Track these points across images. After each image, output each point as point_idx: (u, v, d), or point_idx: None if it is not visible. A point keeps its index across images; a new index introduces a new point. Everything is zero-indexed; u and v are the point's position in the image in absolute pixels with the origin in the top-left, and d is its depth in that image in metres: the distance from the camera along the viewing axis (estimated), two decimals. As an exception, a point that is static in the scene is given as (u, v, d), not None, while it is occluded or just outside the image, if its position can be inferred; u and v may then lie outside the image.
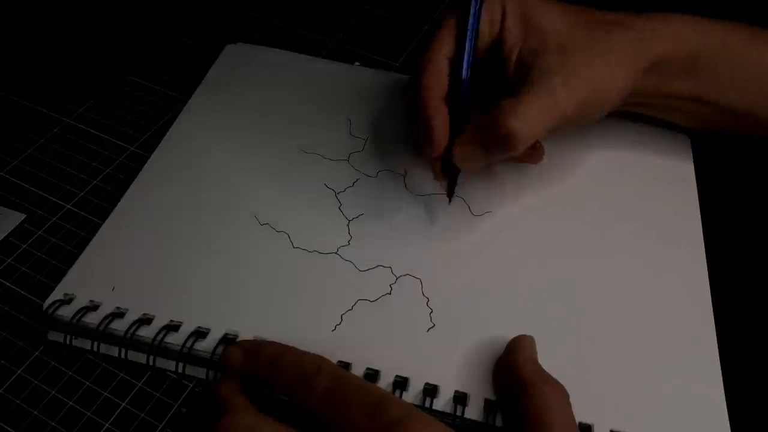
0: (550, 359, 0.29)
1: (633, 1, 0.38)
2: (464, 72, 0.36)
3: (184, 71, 0.49)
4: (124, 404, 0.32)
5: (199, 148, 0.41)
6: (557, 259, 0.36)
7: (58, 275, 0.35)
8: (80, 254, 0.35)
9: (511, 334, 0.32)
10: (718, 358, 0.32)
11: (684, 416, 0.30)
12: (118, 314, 0.33)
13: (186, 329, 0.32)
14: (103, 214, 0.38)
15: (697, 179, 0.40)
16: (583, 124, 0.37)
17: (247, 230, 0.37)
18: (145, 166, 0.40)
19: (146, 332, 0.32)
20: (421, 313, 0.33)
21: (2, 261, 0.37)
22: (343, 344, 0.29)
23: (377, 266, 0.35)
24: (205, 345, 0.32)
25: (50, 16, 0.48)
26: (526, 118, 0.32)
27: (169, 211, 0.37)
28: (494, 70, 0.37)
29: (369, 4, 0.56)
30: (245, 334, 0.32)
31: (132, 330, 0.32)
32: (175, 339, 0.32)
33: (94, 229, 0.37)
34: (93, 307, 0.33)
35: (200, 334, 0.32)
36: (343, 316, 0.33)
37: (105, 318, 0.32)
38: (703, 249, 0.37)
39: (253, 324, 0.32)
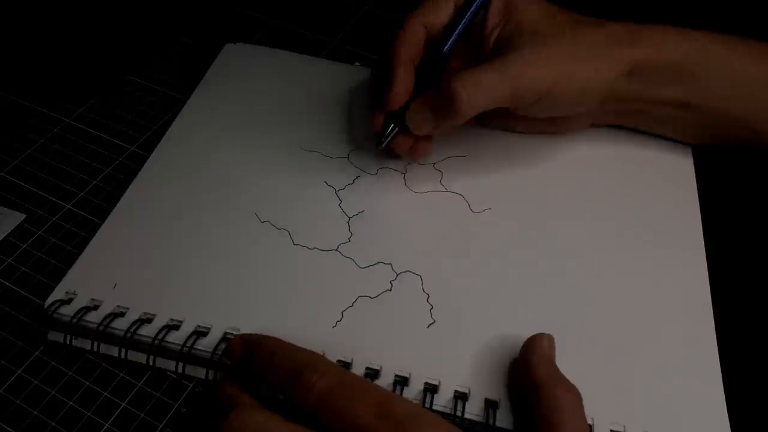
0: (551, 356, 0.29)
1: (622, 9, 0.38)
2: (447, 47, 0.37)
3: (184, 71, 0.49)
4: (124, 404, 0.32)
5: (198, 147, 0.41)
6: (557, 257, 0.36)
7: (58, 275, 0.35)
8: (80, 254, 0.35)
9: (511, 331, 0.32)
10: (717, 357, 0.32)
11: (684, 415, 0.30)
12: (119, 314, 0.33)
13: (186, 328, 0.32)
14: (103, 214, 0.38)
15: (697, 179, 0.40)
16: (553, 115, 0.38)
17: (248, 228, 0.37)
18: (145, 165, 0.40)
19: (146, 331, 0.32)
20: (421, 309, 0.33)
21: (2, 261, 0.37)
22: (344, 341, 0.29)
23: (377, 263, 0.35)
24: (205, 344, 0.31)
25: (50, 15, 0.48)
26: (473, 83, 0.34)
27: (169, 211, 0.37)
28: (471, 46, 0.39)
29: (369, 4, 0.56)
30: (246, 332, 0.31)
31: (132, 329, 0.32)
32: (175, 338, 0.32)
33: (94, 229, 0.37)
34: (93, 306, 0.33)
35: (201, 333, 0.32)
36: (343, 312, 0.33)
37: (105, 317, 0.32)
38: (703, 249, 0.37)
39: (254, 321, 0.32)
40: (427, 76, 0.37)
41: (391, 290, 0.34)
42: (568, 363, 0.29)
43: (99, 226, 0.37)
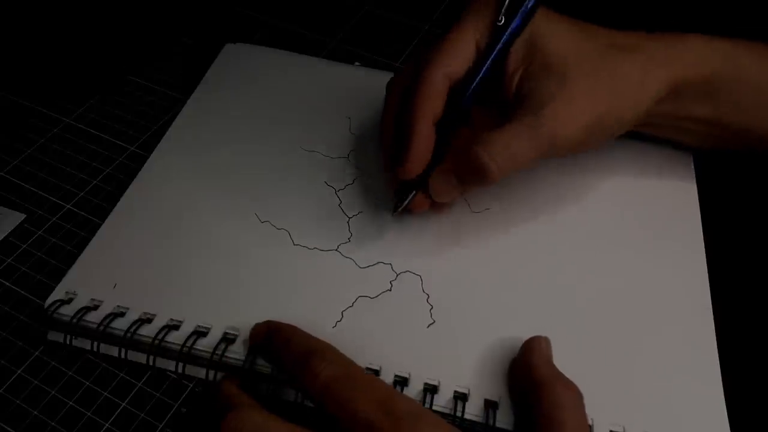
0: (551, 356, 0.29)
1: (647, 16, 0.37)
2: (465, 101, 0.34)
3: (184, 71, 0.49)
4: (124, 404, 0.32)
5: (198, 147, 0.41)
6: (557, 257, 0.36)
7: (58, 275, 0.35)
8: (80, 254, 0.35)
9: (511, 331, 0.32)
10: (717, 358, 0.32)
11: (683, 416, 0.30)
12: (119, 314, 0.33)
13: (186, 328, 0.32)
14: (103, 214, 0.38)
15: (697, 179, 0.40)
16: (586, 150, 0.35)
17: (248, 228, 0.37)
18: (145, 165, 0.40)
19: (146, 331, 0.32)
20: (421, 309, 0.33)
21: (2, 261, 0.37)
22: (344, 341, 0.29)
23: (377, 263, 0.35)
24: (205, 344, 0.32)
25: (50, 15, 0.48)
26: (499, 152, 0.31)
27: (169, 211, 0.37)
28: (494, 89, 0.35)
29: (369, 4, 0.56)
30: (246, 332, 0.32)
31: (132, 329, 0.32)
32: (175, 338, 0.32)
33: (94, 229, 0.37)
34: (93, 306, 0.33)
35: (201, 333, 0.32)
36: (343, 312, 0.33)
37: (106, 317, 0.32)
38: (703, 249, 0.37)
39: (254, 321, 0.32)
40: (446, 129, 0.34)
41: (390, 290, 0.34)
42: (568, 363, 0.29)
43: (99, 226, 0.37)
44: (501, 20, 0.33)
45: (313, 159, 0.41)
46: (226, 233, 0.36)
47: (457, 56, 0.33)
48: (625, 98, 0.33)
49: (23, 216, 0.40)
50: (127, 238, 0.36)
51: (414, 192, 0.34)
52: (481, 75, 0.33)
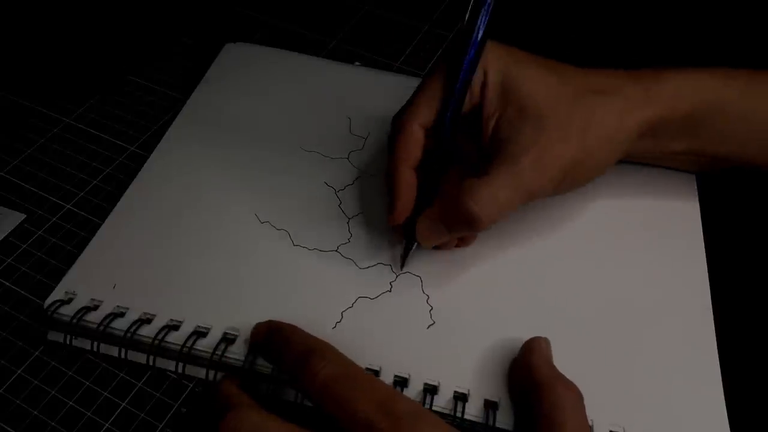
0: (551, 357, 0.29)
1: (628, 47, 0.37)
2: (440, 149, 0.34)
3: (184, 71, 0.49)
4: (124, 404, 0.32)
5: (198, 147, 0.41)
6: (557, 258, 0.36)
7: (58, 275, 0.35)
8: (80, 254, 0.35)
9: (511, 332, 0.32)
10: (717, 358, 0.32)
11: (683, 416, 0.30)
12: (119, 314, 0.33)
13: (186, 328, 0.32)
14: (103, 214, 0.38)
15: (697, 179, 0.40)
16: (565, 193, 0.35)
17: (248, 229, 0.37)
18: (145, 165, 0.40)
19: (146, 332, 0.32)
20: (421, 310, 0.33)
21: (2, 261, 0.37)
22: (344, 342, 0.29)
23: (377, 264, 0.35)
24: (205, 344, 0.32)
25: (50, 15, 0.48)
26: (487, 202, 0.31)
27: (169, 211, 0.37)
28: (471, 134, 0.35)
29: (369, 4, 0.56)
30: (246, 332, 0.32)
31: (132, 330, 0.32)
32: (175, 338, 0.32)
33: (94, 229, 0.37)
34: (93, 306, 0.33)
35: (200, 333, 0.32)
36: (343, 313, 0.33)
37: (105, 317, 0.32)
38: (703, 249, 0.37)
39: (253, 322, 0.32)
40: (431, 173, 0.34)
41: (390, 291, 0.34)
42: (568, 364, 0.29)
43: (99, 226, 0.37)
44: (463, 24, 0.33)
45: (313, 159, 0.41)
46: (226, 233, 0.36)
47: (429, 104, 0.34)
48: (601, 142, 0.33)
49: (23, 216, 0.40)
50: (127, 238, 0.36)
51: (415, 244, 0.34)
52: (449, 114, 0.34)
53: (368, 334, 0.32)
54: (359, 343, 0.31)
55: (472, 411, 0.30)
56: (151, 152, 0.41)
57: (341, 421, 0.25)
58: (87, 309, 0.33)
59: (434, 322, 0.33)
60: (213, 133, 0.42)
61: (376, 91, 0.45)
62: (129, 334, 0.32)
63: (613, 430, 0.29)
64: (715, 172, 0.39)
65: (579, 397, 0.27)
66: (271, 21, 0.54)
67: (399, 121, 0.34)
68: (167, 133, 0.42)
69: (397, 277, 0.35)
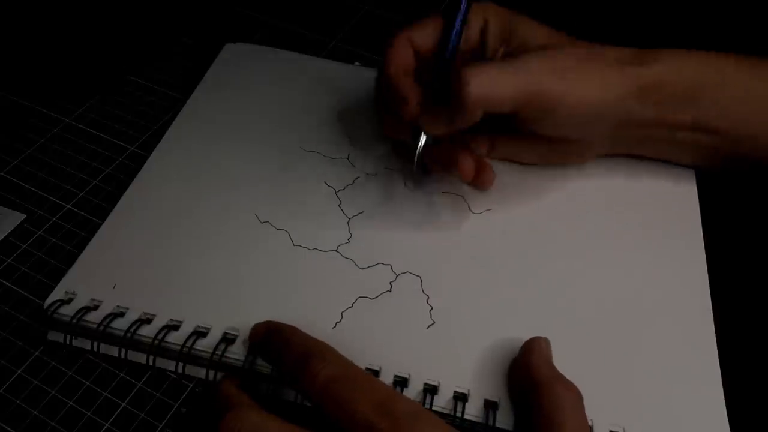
0: (551, 357, 0.29)
1: (631, 32, 0.38)
2: (451, 42, 0.36)
3: (184, 71, 0.49)
4: (124, 404, 0.32)
5: (198, 147, 0.41)
6: (557, 258, 0.36)
7: (58, 275, 0.35)
8: (80, 254, 0.35)
9: (510, 332, 0.32)
10: (717, 359, 0.32)
11: (683, 416, 0.30)
12: (119, 314, 0.33)
13: (186, 329, 0.32)
14: (103, 214, 0.38)
15: (697, 179, 0.40)
16: (564, 135, 0.36)
17: (247, 228, 0.37)
18: (145, 165, 0.40)
19: (146, 332, 0.32)
20: (421, 310, 0.33)
21: (2, 261, 0.37)
22: (344, 342, 0.29)
23: (377, 264, 0.35)
24: (205, 344, 0.32)
25: (50, 15, 0.48)
26: (482, 72, 0.32)
27: (169, 211, 0.37)
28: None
29: (369, 4, 0.56)
30: (246, 332, 0.32)
31: (132, 330, 0.32)
32: (175, 338, 0.32)
33: (94, 229, 0.37)
34: (93, 306, 0.33)
35: (200, 333, 0.32)
36: (343, 313, 0.33)
37: (105, 317, 0.32)
38: (703, 250, 0.37)
39: (253, 322, 0.32)
40: (437, 79, 0.36)
41: (390, 291, 0.34)
42: (567, 364, 0.29)
43: (99, 226, 0.37)
44: None
45: (313, 159, 0.41)
46: (226, 233, 0.36)
47: (423, 31, 0.37)
48: (596, 79, 0.34)
49: (23, 216, 0.40)
50: (127, 238, 0.36)
51: (423, 135, 0.35)
52: (458, 23, 0.36)
53: (368, 334, 0.32)
54: (359, 343, 0.31)
55: (472, 411, 0.30)
56: (151, 152, 0.41)
57: (341, 422, 0.25)
58: (87, 309, 0.33)
59: (434, 322, 0.33)
60: (213, 133, 0.42)
61: (376, 91, 0.45)
62: (129, 334, 0.32)
63: (613, 430, 0.29)
64: (716, 164, 0.39)
65: (579, 397, 0.27)
66: (271, 21, 0.54)
67: (389, 38, 0.37)
68: (167, 133, 0.42)
69: (397, 276, 0.35)
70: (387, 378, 0.30)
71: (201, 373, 0.32)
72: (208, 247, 0.36)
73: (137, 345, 0.32)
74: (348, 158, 0.41)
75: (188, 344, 0.31)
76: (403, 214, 0.38)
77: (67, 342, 0.33)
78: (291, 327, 0.30)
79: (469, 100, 0.32)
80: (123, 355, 0.32)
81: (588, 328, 0.33)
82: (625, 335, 0.33)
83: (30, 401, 0.32)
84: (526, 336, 0.31)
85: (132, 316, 0.33)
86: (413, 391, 0.30)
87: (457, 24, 0.36)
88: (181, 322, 0.32)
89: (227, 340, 0.32)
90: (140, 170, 0.40)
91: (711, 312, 0.34)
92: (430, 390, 0.30)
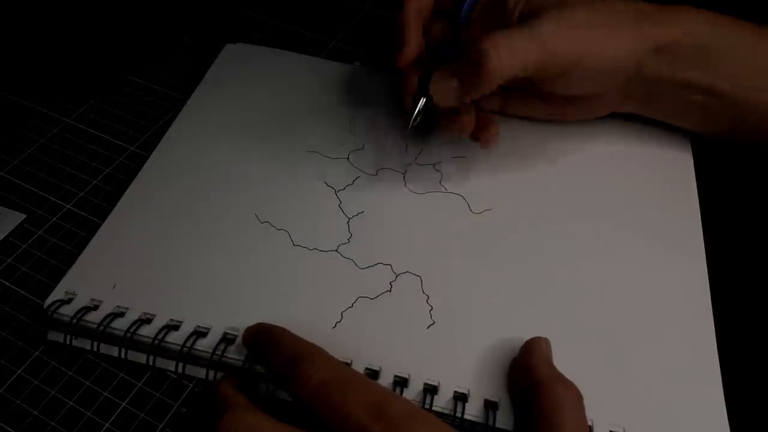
0: (550, 357, 0.29)
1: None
2: (463, 16, 0.35)
3: (184, 71, 0.49)
4: (124, 404, 0.32)
5: (198, 147, 0.41)
6: (557, 258, 0.36)
7: (58, 275, 0.35)
8: (80, 254, 0.35)
9: (511, 332, 0.32)
10: (717, 359, 0.32)
11: (683, 416, 0.30)
12: (119, 314, 0.33)
13: (186, 329, 0.32)
14: (103, 214, 0.38)
15: (696, 179, 0.40)
16: (579, 92, 0.36)
17: (247, 228, 0.37)
18: (145, 166, 0.40)
19: (146, 332, 0.32)
20: (421, 310, 0.33)
21: (2, 261, 0.37)
22: (344, 341, 0.29)
23: (377, 264, 0.35)
24: (205, 344, 0.32)
25: (50, 16, 0.48)
26: (504, 44, 0.31)
27: (169, 211, 0.37)
28: (494, 23, 0.36)
29: (369, 4, 0.56)
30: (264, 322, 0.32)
31: (132, 329, 0.32)
32: (175, 338, 0.32)
33: (94, 229, 0.37)
34: (93, 306, 0.33)
35: (200, 333, 0.32)
36: (343, 313, 0.33)
37: (106, 317, 0.32)
38: (703, 249, 0.37)
39: (253, 322, 0.32)
40: (446, 51, 0.35)
41: (390, 291, 0.34)
42: (567, 364, 0.29)
43: (99, 226, 0.37)
44: None
45: (313, 159, 0.41)
46: (226, 233, 0.36)
47: None
48: (616, 35, 0.34)
49: (23, 216, 0.40)
50: (127, 238, 0.36)
51: (423, 99, 0.35)
52: None
53: (368, 334, 0.32)
54: (359, 343, 0.31)
55: (472, 411, 0.30)
56: (151, 152, 0.41)
57: (333, 425, 0.25)
58: (87, 309, 0.33)
59: (434, 322, 0.33)
60: (213, 133, 0.42)
61: (376, 91, 0.45)
62: (129, 334, 0.32)
63: (613, 430, 0.29)
64: (722, 129, 0.39)
65: (579, 397, 0.27)
66: (271, 21, 0.54)
67: None
68: (167, 133, 0.42)
69: (397, 276, 0.35)
70: (387, 378, 0.30)
71: (201, 373, 0.32)
72: (208, 247, 0.36)
73: (137, 345, 0.32)
74: (348, 158, 0.41)
75: (188, 344, 0.31)
76: (403, 214, 0.38)
77: (67, 342, 0.33)
78: (281, 328, 0.30)
79: (490, 72, 0.31)
80: (123, 355, 0.32)
81: (588, 327, 0.33)
82: (625, 335, 0.33)
83: (30, 401, 0.32)
84: (526, 336, 0.31)
85: (132, 316, 0.33)
86: (413, 391, 0.30)
87: None
88: (181, 322, 0.32)
89: (227, 340, 0.32)
90: (140, 170, 0.40)
91: (711, 312, 0.34)
92: (430, 390, 0.30)
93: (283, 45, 0.50)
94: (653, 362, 0.32)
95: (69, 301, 0.33)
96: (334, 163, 0.40)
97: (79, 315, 0.32)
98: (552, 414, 0.26)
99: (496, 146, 0.41)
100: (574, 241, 0.37)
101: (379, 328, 0.32)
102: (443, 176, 0.40)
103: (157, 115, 0.46)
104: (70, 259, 0.36)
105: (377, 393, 0.26)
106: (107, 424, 0.31)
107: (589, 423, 0.29)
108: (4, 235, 0.38)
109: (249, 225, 0.37)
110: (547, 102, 0.39)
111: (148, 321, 0.32)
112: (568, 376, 0.28)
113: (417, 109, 0.35)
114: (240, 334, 0.32)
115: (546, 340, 0.30)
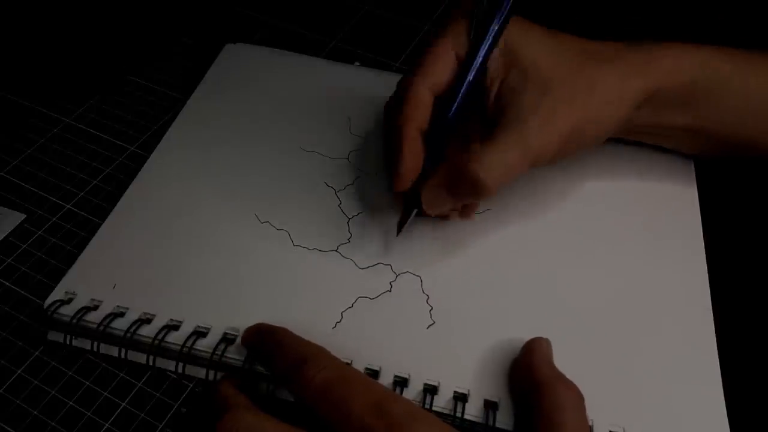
0: (551, 357, 0.29)
1: (628, 26, 0.37)
2: (452, 113, 0.34)
3: (184, 71, 0.49)
4: (124, 404, 0.32)
5: (198, 147, 0.41)
6: (557, 258, 0.36)
7: (58, 275, 0.35)
8: (80, 254, 0.35)
9: (511, 332, 0.32)
10: (717, 358, 0.32)
11: (683, 416, 0.30)
12: (119, 314, 0.33)
13: (186, 329, 0.32)
14: (103, 214, 0.38)
15: (697, 179, 0.40)
16: (564, 158, 0.35)
17: (247, 229, 0.37)
18: (145, 166, 0.40)
19: (146, 332, 0.32)
20: (421, 310, 0.33)
21: (2, 261, 0.37)
22: (344, 342, 0.29)
23: (377, 264, 0.35)
24: (205, 344, 0.32)
25: (50, 16, 0.48)
26: (494, 166, 0.31)
27: (169, 211, 0.37)
28: (475, 100, 0.35)
29: (369, 4, 0.56)
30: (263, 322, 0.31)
31: (132, 330, 0.32)
32: (175, 338, 0.32)
33: (94, 229, 0.37)
34: (93, 306, 0.33)
35: (200, 333, 0.32)
36: (343, 313, 0.33)
37: (105, 317, 0.32)
38: (703, 250, 0.37)
39: (253, 322, 0.32)
40: (436, 141, 0.34)
41: (390, 291, 0.34)
42: (567, 364, 0.29)
43: (99, 226, 0.37)
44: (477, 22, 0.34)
45: (313, 159, 0.41)
46: (226, 233, 0.36)
47: (438, 68, 0.34)
48: (604, 106, 0.33)
49: (23, 216, 0.40)
50: (127, 238, 0.36)
51: (415, 211, 0.34)
52: (466, 85, 0.34)
53: (368, 334, 0.32)
54: (359, 343, 0.31)
55: (472, 411, 0.30)
56: (151, 152, 0.41)
57: (336, 424, 0.25)
58: (87, 309, 0.33)
59: (434, 322, 0.33)
60: (213, 133, 0.42)
61: (376, 91, 0.45)
62: (129, 334, 0.32)
63: (613, 430, 0.29)
64: (715, 154, 0.39)
65: (579, 397, 0.27)
66: (271, 21, 0.54)
67: (407, 82, 0.34)
68: (167, 133, 0.42)
69: (397, 276, 0.35)
70: (387, 378, 0.30)
71: (201, 373, 0.32)
72: (208, 247, 0.36)
73: (137, 345, 0.32)
74: (348, 158, 0.41)
75: (188, 344, 0.31)
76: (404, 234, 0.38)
77: (67, 342, 0.33)
78: (282, 329, 0.30)
79: (485, 192, 0.31)
80: (123, 355, 0.32)
81: (588, 328, 0.33)
82: (626, 335, 0.33)
83: (30, 401, 0.32)
84: (527, 336, 0.31)
85: (132, 316, 0.33)
86: (413, 392, 0.30)
87: (468, 82, 0.34)
88: (181, 322, 0.32)
89: (227, 340, 0.32)
90: (140, 170, 0.40)
91: (711, 312, 0.34)
92: (430, 390, 0.30)
93: (283, 45, 0.50)
94: (653, 362, 0.32)
95: (69, 301, 0.33)
96: (335, 163, 0.40)
97: (79, 315, 0.32)
98: (553, 414, 0.26)
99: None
100: (574, 241, 0.37)
101: (379, 328, 0.32)
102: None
103: (157, 115, 0.46)
104: (70, 259, 0.36)
105: (379, 392, 0.26)
106: (107, 424, 0.31)
107: (590, 423, 0.29)
108: (4, 235, 0.38)
109: (249, 225, 0.37)
110: None
111: (148, 321, 0.32)
112: (568, 376, 0.28)
113: (408, 220, 0.35)
114: (240, 334, 0.32)
115: (547, 341, 0.30)
